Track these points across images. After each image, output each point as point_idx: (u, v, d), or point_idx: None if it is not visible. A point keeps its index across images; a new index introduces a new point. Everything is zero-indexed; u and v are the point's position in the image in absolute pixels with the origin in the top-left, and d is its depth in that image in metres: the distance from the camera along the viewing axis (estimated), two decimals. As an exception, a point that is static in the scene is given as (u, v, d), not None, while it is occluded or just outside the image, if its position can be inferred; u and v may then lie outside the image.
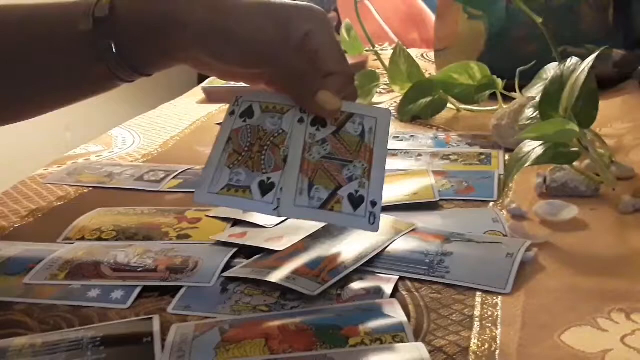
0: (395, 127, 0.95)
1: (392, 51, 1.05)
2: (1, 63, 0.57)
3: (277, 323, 0.48)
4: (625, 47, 1.03)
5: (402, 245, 0.58)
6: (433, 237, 0.59)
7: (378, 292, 0.52)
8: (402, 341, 0.45)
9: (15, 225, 0.68)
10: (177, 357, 0.45)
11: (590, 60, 0.65)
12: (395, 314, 0.48)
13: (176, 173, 0.79)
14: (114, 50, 0.54)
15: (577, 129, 0.63)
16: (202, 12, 0.52)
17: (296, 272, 0.53)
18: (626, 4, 1.04)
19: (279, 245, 0.58)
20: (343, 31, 1.20)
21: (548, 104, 0.68)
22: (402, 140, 0.87)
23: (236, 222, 0.65)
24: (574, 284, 0.53)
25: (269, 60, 0.54)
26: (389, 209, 0.65)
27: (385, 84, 1.12)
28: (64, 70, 0.57)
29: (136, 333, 0.48)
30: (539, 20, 0.86)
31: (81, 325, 0.49)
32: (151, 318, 0.49)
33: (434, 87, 0.96)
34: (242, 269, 0.56)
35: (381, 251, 0.57)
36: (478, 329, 0.48)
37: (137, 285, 0.54)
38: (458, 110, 0.99)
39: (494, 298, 0.51)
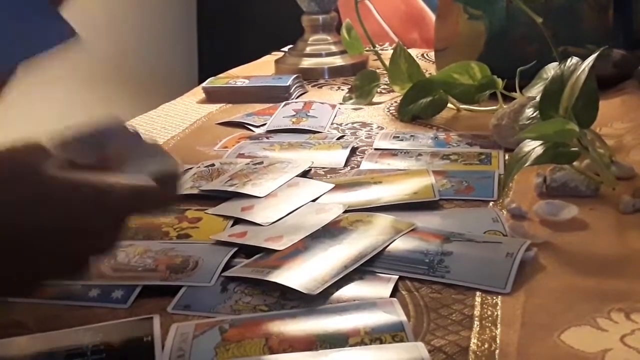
0: (395, 127, 0.95)
1: (392, 51, 1.05)
2: None
3: (277, 323, 0.48)
4: (625, 47, 1.03)
5: (402, 244, 0.58)
6: (433, 237, 0.59)
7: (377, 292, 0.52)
8: (401, 341, 0.45)
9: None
10: (177, 356, 0.45)
11: (590, 60, 0.65)
12: (395, 313, 0.48)
13: (176, 173, 0.79)
14: None
15: (577, 128, 0.63)
16: None
17: None
18: (626, 4, 1.04)
19: (279, 245, 0.58)
20: (343, 31, 1.20)
21: (548, 103, 0.68)
22: (402, 140, 0.87)
23: (236, 222, 0.65)
24: (574, 283, 0.53)
25: None
26: (389, 208, 0.65)
27: (385, 84, 1.12)
28: None
29: (136, 333, 0.48)
30: (539, 20, 0.86)
31: (81, 325, 0.49)
32: (151, 318, 0.49)
33: (434, 87, 0.96)
34: (242, 268, 0.56)
35: (381, 251, 0.57)
36: (478, 329, 0.48)
37: (137, 285, 0.54)
38: (458, 110, 0.99)
39: (494, 298, 0.51)
